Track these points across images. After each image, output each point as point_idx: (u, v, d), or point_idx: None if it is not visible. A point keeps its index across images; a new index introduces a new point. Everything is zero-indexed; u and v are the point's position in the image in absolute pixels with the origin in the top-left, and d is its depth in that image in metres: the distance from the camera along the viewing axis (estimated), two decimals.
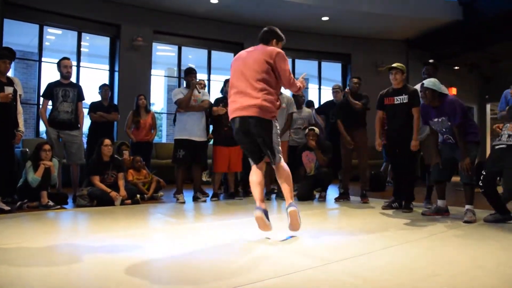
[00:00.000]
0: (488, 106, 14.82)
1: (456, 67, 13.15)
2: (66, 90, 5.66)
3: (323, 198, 6.16)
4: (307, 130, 6.25)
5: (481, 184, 4.17)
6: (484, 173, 4.17)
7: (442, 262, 2.81)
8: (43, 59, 8.80)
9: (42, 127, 7.98)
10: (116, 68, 9.44)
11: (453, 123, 4.36)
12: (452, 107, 4.36)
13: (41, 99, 5.87)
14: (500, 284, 2.35)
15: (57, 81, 5.73)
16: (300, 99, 6.74)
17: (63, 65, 5.70)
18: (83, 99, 5.93)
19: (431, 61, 5.41)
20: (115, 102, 8.80)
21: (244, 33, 10.50)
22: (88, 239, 3.42)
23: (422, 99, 4.58)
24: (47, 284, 2.26)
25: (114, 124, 7.45)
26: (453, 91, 12.50)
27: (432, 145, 4.75)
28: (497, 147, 4.14)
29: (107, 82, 9.14)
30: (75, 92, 5.73)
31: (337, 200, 6.06)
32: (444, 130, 4.53)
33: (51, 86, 5.66)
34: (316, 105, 8.69)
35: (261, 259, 2.80)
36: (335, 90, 6.84)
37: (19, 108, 5.11)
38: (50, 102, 5.72)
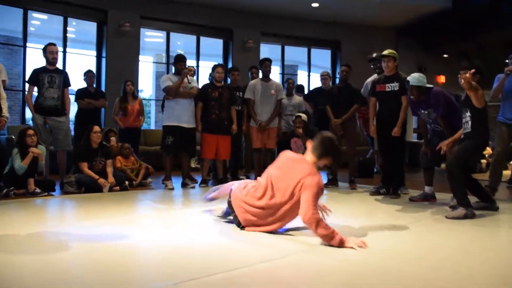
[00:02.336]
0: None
1: (445, 55, 13.19)
2: (52, 76, 5.58)
3: None
4: (294, 117, 6.24)
5: None
6: None
7: (428, 247, 2.85)
8: (28, 44, 8.62)
9: (28, 114, 7.88)
10: (104, 54, 9.30)
11: (437, 114, 4.41)
12: (436, 100, 4.40)
13: (27, 85, 5.77)
14: (484, 268, 2.39)
15: (43, 67, 5.64)
16: (290, 86, 6.72)
17: (49, 51, 5.60)
18: (69, 85, 5.85)
19: None
20: (103, 88, 8.68)
21: (234, 19, 10.40)
22: (76, 226, 3.40)
23: (410, 96, 4.59)
24: (35, 271, 2.25)
25: (102, 111, 7.38)
26: (442, 79, 12.56)
27: (423, 135, 4.80)
28: (462, 137, 4.21)
29: (94, 68, 9.01)
30: (61, 78, 5.65)
31: (325, 186, 6.07)
32: (431, 120, 4.59)
33: (36, 72, 5.57)
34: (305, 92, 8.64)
35: (249, 245, 2.81)
36: (323, 77, 6.82)
37: (2, 93, 5.02)
38: (36, 89, 5.64)
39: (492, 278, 2.21)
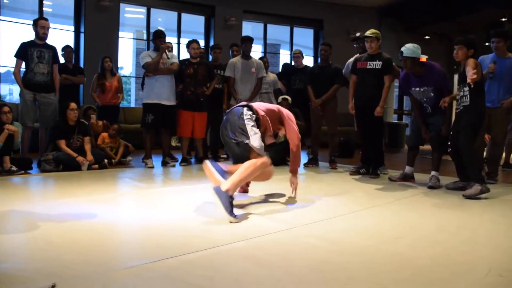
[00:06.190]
0: (456, 77, 15.05)
1: (426, 37, 13.25)
2: (41, 51, 5.41)
3: None
4: (280, 99, 6.20)
5: (449, 143, 4.28)
6: (452, 132, 4.28)
7: (406, 226, 2.89)
8: (1, 17, 8.31)
9: (4, 90, 7.66)
10: (82, 29, 9.07)
11: (445, 89, 4.41)
12: (440, 75, 4.41)
13: (14, 59, 5.54)
14: (460, 245, 2.44)
15: (32, 41, 5.45)
16: (265, 64, 6.68)
17: (40, 26, 5.42)
18: (59, 61, 5.71)
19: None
20: (81, 64, 8.50)
21: None
22: (53, 205, 3.34)
23: (403, 67, 4.57)
24: (10, 250, 2.22)
25: (80, 88, 7.22)
26: (423, 60, 12.64)
27: (416, 114, 4.71)
28: (457, 111, 4.26)
29: (72, 43, 8.78)
30: (51, 54, 5.49)
31: (306, 165, 6.11)
32: (425, 99, 4.51)
33: (25, 46, 5.39)
34: None
35: (228, 224, 2.81)
36: (296, 55, 6.78)
37: None
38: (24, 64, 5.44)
39: (467, 255, 2.25)
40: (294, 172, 3.78)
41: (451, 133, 4.28)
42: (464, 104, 4.11)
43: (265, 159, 3.23)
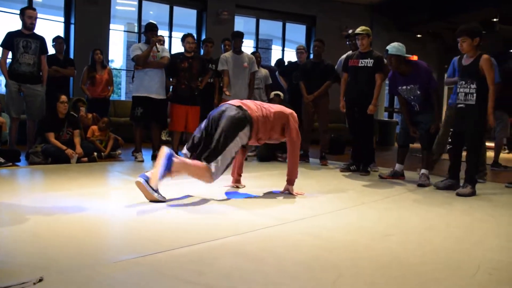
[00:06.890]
0: (446, 76, 15.16)
1: (419, 35, 13.31)
2: (28, 41, 5.33)
3: (283, 160, 6.20)
4: (272, 95, 6.18)
5: (449, 140, 4.26)
6: (452, 130, 4.27)
7: (395, 223, 2.91)
8: None
9: None
10: (72, 21, 8.97)
11: (431, 88, 4.42)
12: (427, 73, 4.43)
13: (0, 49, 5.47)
14: (448, 243, 2.46)
15: (18, 30, 5.37)
16: (257, 59, 6.67)
17: (27, 15, 5.33)
18: (47, 52, 5.61)
19: None
20: (71, 56, 8.41)
21: None
22: (41, 198, 3.30)
23: (388, 66, 4.58)
24: None
25: (70, 80, 7.15)
26: (414, 58, 12.69)
27: (403, 112, 4.75)
28: (458, 106, 4.15)
29: (62, 35, 8.68)
30: (38, 44, 5.40)
31: None
32: (412, 97, 4.53)
33: (11, 36, 5.30)
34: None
35: (220, 219, 2.80)
36: (299, 51, 6.76)
37: None
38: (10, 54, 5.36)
39: (455, 253, 2.26)
40: (291, 182, 3.71)
41: (451, 131, 4.27)
42: (469, 102, 3.98)
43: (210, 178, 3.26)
